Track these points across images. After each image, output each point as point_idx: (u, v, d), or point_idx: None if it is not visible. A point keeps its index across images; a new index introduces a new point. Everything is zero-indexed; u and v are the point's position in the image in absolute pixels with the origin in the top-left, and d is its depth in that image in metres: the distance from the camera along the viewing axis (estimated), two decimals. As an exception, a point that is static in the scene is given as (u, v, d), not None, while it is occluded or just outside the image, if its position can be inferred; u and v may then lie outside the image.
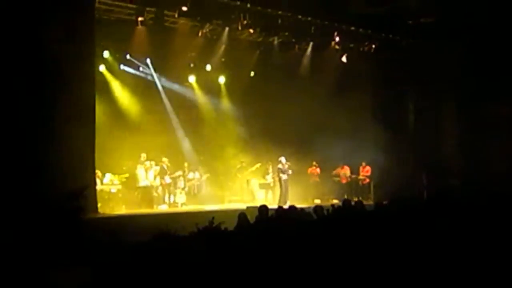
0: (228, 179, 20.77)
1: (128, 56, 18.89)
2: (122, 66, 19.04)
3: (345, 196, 18.27)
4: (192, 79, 21.00)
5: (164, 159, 18.31)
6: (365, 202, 14.16)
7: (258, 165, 20.35)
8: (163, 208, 17.60)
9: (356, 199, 17.91)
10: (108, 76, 18.92)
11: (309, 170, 20.51)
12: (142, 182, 17.81)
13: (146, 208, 17.22)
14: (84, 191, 12.29)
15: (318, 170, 20.51)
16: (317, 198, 19.78)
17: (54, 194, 12.19)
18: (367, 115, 20.23)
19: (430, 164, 20.44)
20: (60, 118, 13.70)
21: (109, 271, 5.99)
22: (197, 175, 19.84)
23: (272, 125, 20.46)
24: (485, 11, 18.80)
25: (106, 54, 18.37)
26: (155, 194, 18.03)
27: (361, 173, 20.80)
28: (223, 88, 21.80)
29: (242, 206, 16.60)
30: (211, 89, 21.46)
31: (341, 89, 20.42)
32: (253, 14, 18.53)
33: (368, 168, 20.71)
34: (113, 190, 17.17)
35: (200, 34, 18.73)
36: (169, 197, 18.33)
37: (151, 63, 19.65)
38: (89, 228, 11.06)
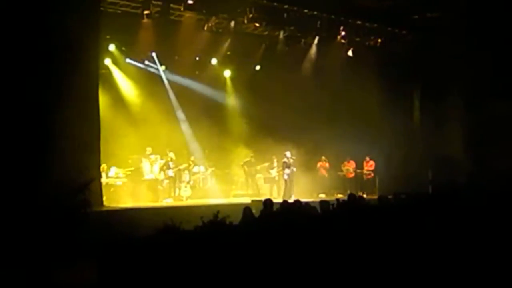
0: (233, 173, 20.78)
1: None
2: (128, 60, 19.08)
3: (349, 191, 18.22)
4: (197, 72, 21.02)
5: (170, 154, 18.30)
6: (370, 197, 14.18)
7: (265, 164, 20.31)
8: (168, 202, 17.63)
9: (361, 193, 17.92)
10: (114, 69, 18.94)
11: (319, 164, 20.49)
12: (147, 176, 17.85)
13: (151, 201, 17.24)
14: (89, 185, 12.34)
15: (327, 164, 20.50)
16: (322, 192, 19.78)
17: (60, 187, 12.21)
18: (373, 110, 20.16)
19: (435, 160, 20.38)
20: (65, 112, 13.68)
21: (114, 264, 6.01)
22: (202, 168, 19.85)
23: (277, 119, 20.43)
24: (492, 5, 18.70)
25: (111, 47, 18.37)
26: (160, 187, 18.06)
27: (365, 168, 20.79)
28: (228, 81, 21.82)
29: (247, 200, 16.63)
30: (216, 82, 21.46)
31: (346, 83, 20.37)
32: (259, 7, 18.48)
33: (372, 162, 20.69)
34: (119, 183, 17.22)
35: (206, 27, 18.70)
36: (175, 191, 18.34)
37: (157, 56, 19.66)
38: (94, 221, 11.11)
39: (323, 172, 20.47)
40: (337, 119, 20.20)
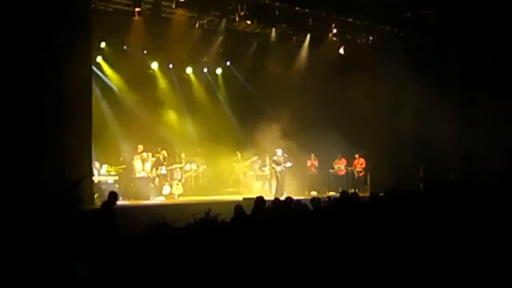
0: (225, 171, 20.79)
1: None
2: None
3: (341, 188, 18.25)
4: (189, 70, 21.00)
5: (162, 152, 18.28)
6: (361, 194, 14.19)
7: (254, 158, 20.37)
8: (160, 200, 17.61)
9: (352, 191, 17.94)
10: (105, 67, 18.88)
11: (309, 162, 20.53)
12: (139, 174, 17.81)
13: (143, 199, 17.21)
14: (81, 182, 12.32)
15: (316, 162, 20.55)
16: (314, 190, 19.82)
17: (52, 185, 12.19)
18: (364, 108, 20.20)
19: (427, 157, 20.44)
20: (57, 110, 13.67)
21: (105, 262, 6.00)
22: (194, 166, 19.84)
23: (269, 116, 20.44)
24: (484, 3, 18.77)
25: (103, 44, 18.30)
26: (152, 185, 18.02)
27: (356, 166, 20.82)
28: (220, 79, 21.80)
29: (238, 197, 16.63)
30: (208, 80, 21.44)
31: (338, 81, 20.39)
32: (251, 5, 18.47)
33: (362, 160, 20.73)
34: (110, 181, 17.18)
35: (197, 25, 18.66)
36: (162, 189, 18.28)
37: (148, 54, 19.61)
38: (86, 219, 11.08)
39: (313, 170, 20.54)
40: (328, 116, 20.21)
